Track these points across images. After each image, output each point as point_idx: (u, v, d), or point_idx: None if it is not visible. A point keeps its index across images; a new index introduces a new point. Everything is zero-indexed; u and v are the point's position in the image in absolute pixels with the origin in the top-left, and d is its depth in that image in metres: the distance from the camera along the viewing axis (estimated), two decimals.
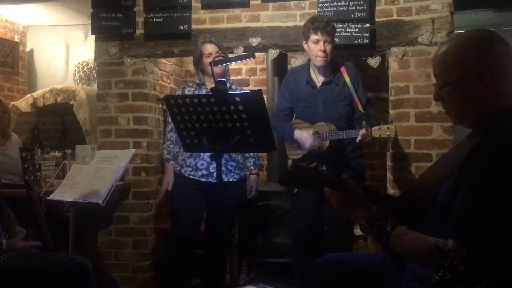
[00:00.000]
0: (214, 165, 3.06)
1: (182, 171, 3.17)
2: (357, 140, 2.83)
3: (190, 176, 3.14)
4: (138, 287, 3.78)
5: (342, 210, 1.65)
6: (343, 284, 1.86)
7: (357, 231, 3.90)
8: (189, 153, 3.10)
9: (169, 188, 3.22)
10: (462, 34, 1.59)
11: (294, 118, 3.28)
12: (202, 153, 3.07)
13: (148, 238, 3.82)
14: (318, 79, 3.12)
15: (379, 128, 2.78)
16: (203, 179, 3.12)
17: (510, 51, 1.51)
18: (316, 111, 3.08)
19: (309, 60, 3.20)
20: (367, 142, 2.85)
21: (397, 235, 1.47)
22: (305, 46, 3.11)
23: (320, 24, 2.97)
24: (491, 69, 1.46)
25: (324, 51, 2.98)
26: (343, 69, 3.09)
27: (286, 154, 4.09)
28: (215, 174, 3.08)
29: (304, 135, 3.04)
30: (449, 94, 1.54)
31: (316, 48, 2.99)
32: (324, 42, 2.98)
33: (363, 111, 3.05)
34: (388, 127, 2.76)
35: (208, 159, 3.07)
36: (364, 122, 2.83)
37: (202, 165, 3.12)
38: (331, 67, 3.10)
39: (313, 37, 2.98)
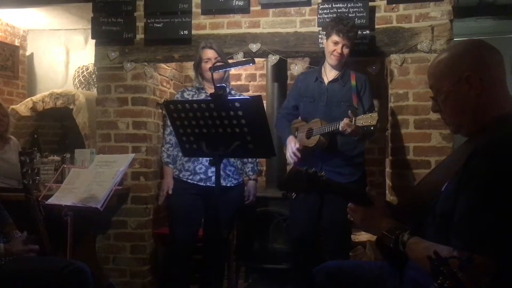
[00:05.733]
0: (213, 169, 3.06)
1: (181, 175, 3.16)
2: (340, 127, 2.80)
3: (189, 180, 3.13)
4: None
5: (364, 225, 1.67)
6: None
7: (355, 237, 3.90)
8: (187, 157, 3.10)
9: (170, 192, 3.20)
10: (454, 45, 1.61)
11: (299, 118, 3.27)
12: (200, 158, 3.06)
13: (146, 243, 3.81)
14: (328, 76, 3.14)
15: (362, 117, 2.76)
16: (202, 183, 3.11)
17: (501, 59, 1.52)
18: (317, 107, 3.08)
19: (322, 61, 3.22)
20: (351, 132, 2.79)
21: (411, 244, 1.47)
22: (324, 41, 3.17)
23: (344, 28, 3.01)
24: (481, 76, 1.46)
25: (341, 53, 3.03)
26: (352, 75, 3.10)
27: (285, 160, 4.09)
28: (213, 178, 3.08)
29: (290, 144, 3.07)
30: (443, 103, 1.55)
31: (333, 48, 3.04)
32: (343, 46, 3.02)
33: None
34: (370, 115, 2.72)
35: (207, 163, 3.07)
36: (349, 112, 2.81)
37: (200, 169, 3.11)
38: (342, 68, 3.13)
39: (334, 38, 3.02)
